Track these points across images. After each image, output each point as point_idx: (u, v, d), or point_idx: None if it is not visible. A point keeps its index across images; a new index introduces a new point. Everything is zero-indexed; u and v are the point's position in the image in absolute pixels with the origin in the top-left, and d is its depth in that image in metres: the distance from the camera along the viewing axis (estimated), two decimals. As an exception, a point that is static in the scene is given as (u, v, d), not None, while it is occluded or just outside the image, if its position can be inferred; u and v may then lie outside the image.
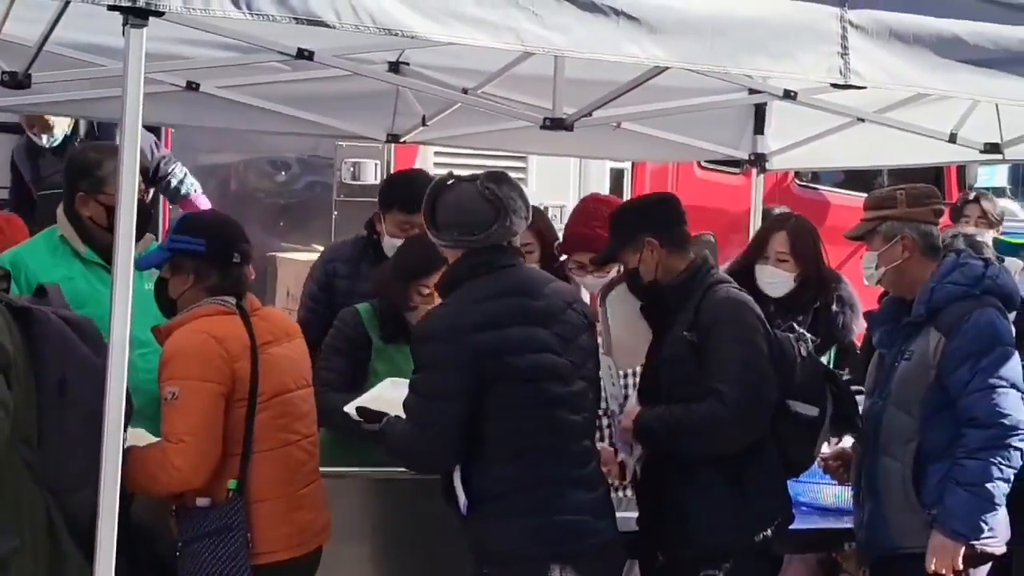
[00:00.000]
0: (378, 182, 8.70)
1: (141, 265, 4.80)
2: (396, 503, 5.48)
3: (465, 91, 6.27)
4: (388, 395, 5.09)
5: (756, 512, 5.03)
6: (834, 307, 6.29)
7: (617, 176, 10.32)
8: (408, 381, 4.73)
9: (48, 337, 4.26)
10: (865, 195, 5.59)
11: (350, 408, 5.03)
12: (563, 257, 6.20)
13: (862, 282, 5.65)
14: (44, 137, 7.98)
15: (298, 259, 8.57)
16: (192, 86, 6.18)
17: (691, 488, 5.01)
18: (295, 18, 3.69)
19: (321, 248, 7.65)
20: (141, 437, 4.73)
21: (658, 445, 5.10)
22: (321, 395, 5.17)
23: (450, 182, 4.78)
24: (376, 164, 9.29)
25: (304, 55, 5.25)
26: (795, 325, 5.55)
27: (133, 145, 3.79)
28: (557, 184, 9.83)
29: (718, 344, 4.94)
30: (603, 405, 5.39)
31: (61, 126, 7.99)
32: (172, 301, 4.91)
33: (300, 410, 4.92)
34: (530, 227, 5.18)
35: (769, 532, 5.04)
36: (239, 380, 4.71)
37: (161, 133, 8.63)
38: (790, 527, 5.22)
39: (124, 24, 3.65)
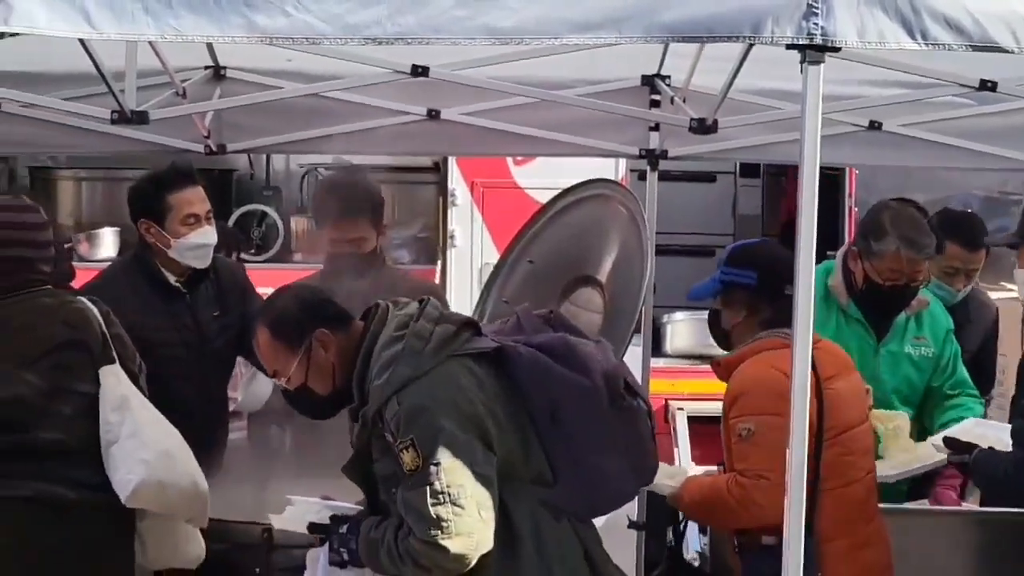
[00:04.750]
0: (1074, 216, 8.31)
1: (690, 295, 4.96)
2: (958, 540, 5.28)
3: None
4: (976, 431, 5.05)
5: None
6: None
7: None
8: (989, 423, 4.79)
9: (525, 372, 4.15)
10: None
11: (937, 440, 4.98)
12: None
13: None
14: None
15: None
16: (875, 125, 6.17)
17: None
18: (971, 45, 3.61)
19: (1013, 287, 7.40)
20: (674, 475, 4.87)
21: None
22: None
23: None
24: (1071, 198, 8.96)
25: (987, 86, 5.16)
26: None
27: (812, 190, 3.74)
28: None
29: None
30: None
31: None
32: (726, 333, 4.93)
33: (863, 445, 4.88)
34: None
35: None
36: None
37: (846, 173, 8.72)
38: None
39: (801, 62, 3.68)
